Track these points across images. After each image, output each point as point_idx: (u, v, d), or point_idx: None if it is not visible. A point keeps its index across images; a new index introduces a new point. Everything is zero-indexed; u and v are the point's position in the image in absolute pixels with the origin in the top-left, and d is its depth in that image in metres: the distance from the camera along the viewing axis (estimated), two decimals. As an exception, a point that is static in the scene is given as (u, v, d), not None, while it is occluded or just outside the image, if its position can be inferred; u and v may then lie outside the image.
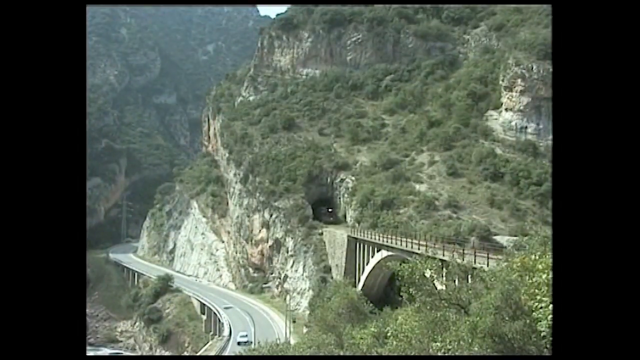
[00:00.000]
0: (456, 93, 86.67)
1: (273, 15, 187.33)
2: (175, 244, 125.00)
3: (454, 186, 70.50)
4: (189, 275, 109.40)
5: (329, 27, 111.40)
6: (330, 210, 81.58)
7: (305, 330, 59.25)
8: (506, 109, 77.44)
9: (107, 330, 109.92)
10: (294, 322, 62.69)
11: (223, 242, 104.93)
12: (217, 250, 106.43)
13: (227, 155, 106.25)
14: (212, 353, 61.71)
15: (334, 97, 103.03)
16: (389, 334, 20.95)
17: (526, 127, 74.64)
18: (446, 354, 15.81)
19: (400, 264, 22.68)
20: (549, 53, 69.16)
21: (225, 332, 67.39)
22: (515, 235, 54.52)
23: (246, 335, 62.78)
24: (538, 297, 14.07)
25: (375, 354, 21.90)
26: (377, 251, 54.08)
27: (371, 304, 39.93)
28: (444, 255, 35.31)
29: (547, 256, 15.11)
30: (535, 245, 21.61)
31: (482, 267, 28.02)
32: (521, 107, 75.02)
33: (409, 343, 18.49)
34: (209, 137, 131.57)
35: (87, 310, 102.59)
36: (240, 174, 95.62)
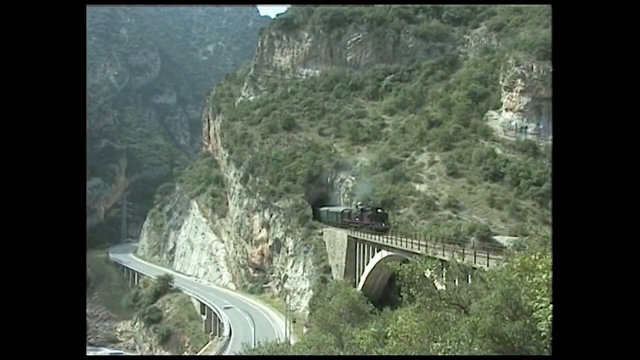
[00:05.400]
0: (456, 93, 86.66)
1: (273, 15, 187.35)
2: (175, 244, 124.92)
3: (454, 186, 70.50)
4: (189, 275, 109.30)
5: (329, 27, 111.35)
6: (379, 211, 58.39)
7: (305, 330, 59.24)
8: (506, 109, 77.44)
9: (107, 330, 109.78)
10: (294, 322, 62.63)
11: (223, 242, 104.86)
12: (217, 250, 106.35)
13: (227, 155, 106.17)
14: (212, 353, 61.70)
15: (334, 97, 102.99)
16: (389, 334, 20.96)
17: (526, 127, 74.64)
18: (446, 354, 15.81)
19: (400, 264, 22.73)
20: (549, 53, 69.15)
21: (225, 332, 67.35)
22: (515, 235, 54.53)
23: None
24: (538, 297, 14.07)
25: (375, 354, 21.92)
26: (377, 251, 54.00)
27: (371, 304, 40.03)
28: (444, 255, 35.22)
29: (547, 256, 15.11)
30: (535, 245, 21.59)
31: (482, 267, 28.02)
32: (521, 107, 75.02)
33: (409, 343, 18.51)
34: (209, 137, 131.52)
35: (87, 310, 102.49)
36: (240, 174, 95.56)
